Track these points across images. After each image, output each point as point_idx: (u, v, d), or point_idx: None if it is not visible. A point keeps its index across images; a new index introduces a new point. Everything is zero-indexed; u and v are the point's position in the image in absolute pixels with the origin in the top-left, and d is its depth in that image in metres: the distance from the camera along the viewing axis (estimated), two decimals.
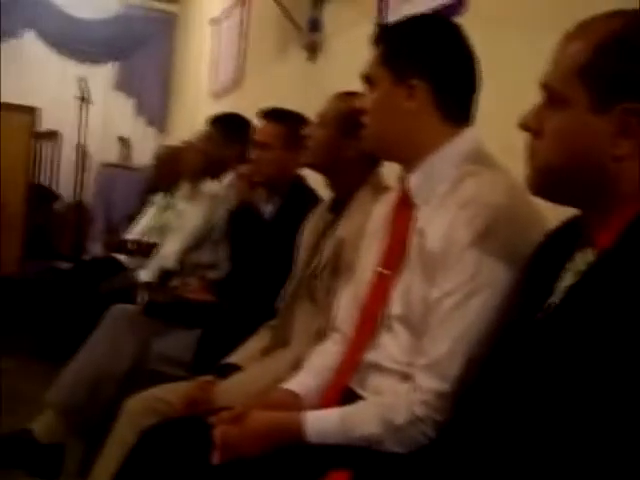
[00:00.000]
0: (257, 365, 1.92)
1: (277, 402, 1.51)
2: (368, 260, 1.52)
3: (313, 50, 3.58)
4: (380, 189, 1.84)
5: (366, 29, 2.86)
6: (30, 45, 7.38)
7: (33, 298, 4.91)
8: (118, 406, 2.33)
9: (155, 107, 7.68)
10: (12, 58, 7.28)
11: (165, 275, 3.02)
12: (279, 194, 2.38)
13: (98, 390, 2.40)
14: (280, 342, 1.98)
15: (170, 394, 1.84)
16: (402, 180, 1.48)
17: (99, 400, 2.41)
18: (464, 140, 1.43)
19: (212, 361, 2.03)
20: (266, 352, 1.98)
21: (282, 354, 1.91)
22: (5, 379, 3.88)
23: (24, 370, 4.04)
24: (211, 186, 3.11)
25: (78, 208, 6.12)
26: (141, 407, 1.83)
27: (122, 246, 4.22)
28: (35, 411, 2.54)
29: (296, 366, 1.66)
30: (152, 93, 7.67)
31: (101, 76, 7.52)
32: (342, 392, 1.45)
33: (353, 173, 1.89)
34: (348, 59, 3.16)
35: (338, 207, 1.93)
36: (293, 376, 1.58)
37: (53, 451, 2.45)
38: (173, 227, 3.69)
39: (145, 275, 3.41)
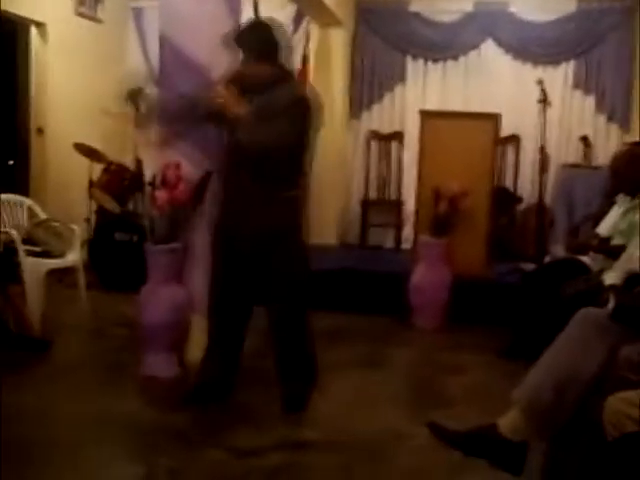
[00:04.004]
0: None
1: None
2: None
3: None
4: None
5: None
6: (488, 54, 7.67)
7: (498, 298, 5.09)
8: (584, 411, 2.30)
9: (616, 103, 7.38)
10: (474, 69, 7.67)
11: (633, 279, 2.87)
12: None
13: (564, 393, 2.37)
14: None
15: None
16: None
17: (565, 403, 2.39)
18: None
19: None
20: None
21: None
22: (472, 375, 4.10)
23: (490, 367, 4.21)
24: None
25: (539, 210, 6.16)
26: (619, 410, 1.78)
27: (585, 247, 4.14)
28: (501, 407, 2.62)
29: None
30: (612, 88, 7.38)
31: (558, 76, 7.49)
32: None
33: None
34: None
35: None
36: None
37: (517, 448, 2.49)
38: None
39: (611, 278, 3.29)
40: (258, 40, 3.34)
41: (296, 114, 3.23)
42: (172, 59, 3.94)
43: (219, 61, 3.79)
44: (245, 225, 3.34)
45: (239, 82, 3.31)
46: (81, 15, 6.71)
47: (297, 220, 3.42)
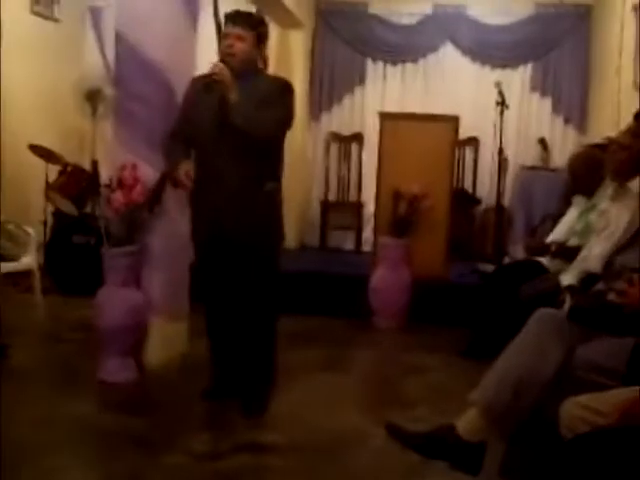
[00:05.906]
0: None
1: None
2: None
3: None
4: None
5: None
6: (447, 56, 7.73)
7: (457, 299, 5.12)
8: (541, 411, 2.31)
9: (573, 105, 7.49)
10: (432, 71, 7.72)
11: (589, 279, 2.91)
12: None
13: (522, 393, 2.38)
14: None
15: (600, 403, 1.77)
16: None
17: (523, 403, 2.40)
18: None
19: None
20: None
21: None
22: (431, 375, 4.12)
23: (449, 367, 4.23)
24: (638, 185, 2.92)
25: (498, 211, 6.21)
26: (573, 414, 1.79)
27: (544, 249, 4.18)
28: (460, 407, 2.63)
29: None
30: (569, 91, 7.48)
31: (515, 79, 7.58)
32: None
33: None
34: None
35: None
36: None
37: (475, 448, 2.49)
38: (597, 229, 3.54)
39: (568, 279, 3.33)
40: (260, 21, 3.30)
41: (287, 101, 3.22)
42: (128, 57, 3.89)
43: (175, 60, 3.75)
44: (225, 221, 3.23)
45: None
46: (37, 14, 6.59)
47: (278, 215, 3.35)
